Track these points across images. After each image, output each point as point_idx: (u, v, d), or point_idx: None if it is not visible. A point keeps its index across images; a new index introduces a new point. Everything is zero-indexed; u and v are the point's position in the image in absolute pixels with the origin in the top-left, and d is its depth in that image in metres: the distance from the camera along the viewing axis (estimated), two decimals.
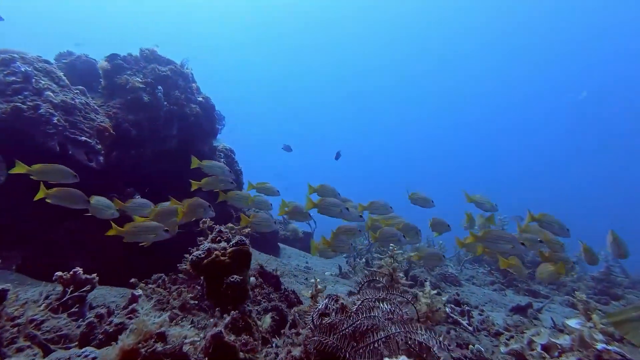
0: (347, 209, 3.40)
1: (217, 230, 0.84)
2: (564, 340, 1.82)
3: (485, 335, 2.59)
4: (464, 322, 2.73)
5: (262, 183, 3.83)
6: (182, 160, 4.42)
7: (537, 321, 3.12)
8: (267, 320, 1.46)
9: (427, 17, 39.77)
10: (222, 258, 0.77)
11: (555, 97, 41.49)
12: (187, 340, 0.79)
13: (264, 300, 2.34)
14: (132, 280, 2.47)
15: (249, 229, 2.86)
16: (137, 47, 4.26)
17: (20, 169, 2.59)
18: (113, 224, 2.61)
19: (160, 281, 2.43)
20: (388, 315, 0.86)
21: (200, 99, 4.51)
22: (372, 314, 0.84)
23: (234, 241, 0.81)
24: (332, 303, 0.90)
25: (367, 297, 0.90)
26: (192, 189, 3.50)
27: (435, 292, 1.88)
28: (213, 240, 0.82)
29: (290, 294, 2.51)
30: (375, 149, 56.70)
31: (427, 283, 1.97)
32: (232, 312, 0.71)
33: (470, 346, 1.82)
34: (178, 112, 4.09)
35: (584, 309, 2.16)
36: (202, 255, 0.78)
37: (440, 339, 1.01)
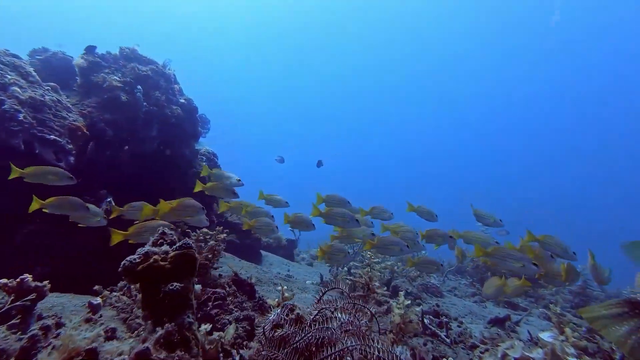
0: (357, 220, 3.37)
1: (160, 232, 0.77)
2: (537, 354, 1.79)
3: (463, 348, 2.55)
4: (442, 334, 2.69)
5: (271, 195, 3.87)
6: (162, 163, 4.30)
7: (514, 334, 3.11)
8: (230, 331, 1.37)
9: (426, 16, 40.36)
10: (161, 263, 0.70)
11: (554, 97, 42.08)
12: (122, 357, 0.71)
13: (236, 309, 2.24)
14: (96, 287, 2.34)
15: (225, 235, 2.76)
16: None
17: (14, 173, 2.48)
18: (113, 229, 2.51)
19: (125, 288, 2.31)
20: (346, 327, 0.80)
21: (183, 100, 4.42)
22: (330, 325, 0.79)
23: (178, 244, 0.74)
24: (287, 313, 0.84)
25: (324, 307, 0.85)
26: (195, 190, 3.56)
27: (408, 302, 1.83)
28: (154, 243, 0.75)
29: (264, 302, 2.42)
30: (375, 149, 57.47)
31: (402, 293, 1.92)
32: (167, 324, 0.65)
33: None
34: (158, 114, 3.99)
35: (558, 322, 2.15)
36: (138, 260, 0.71)
37: (398, 352, 0.96)
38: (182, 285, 0.69)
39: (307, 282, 5.41)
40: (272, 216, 3.65)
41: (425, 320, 2.83)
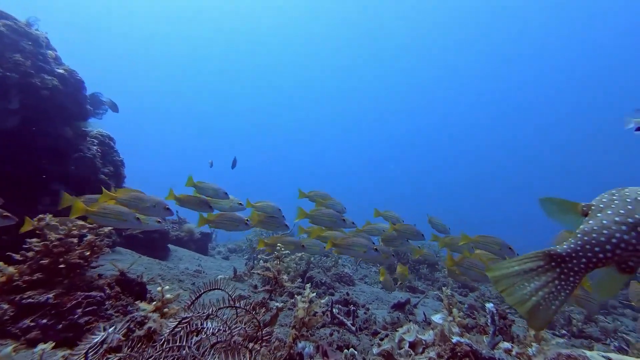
0: (344, 220, 3.58)
1: None
2: (428, 335, 1.92)
3: (366, 335, 2.64)
4: (348, 323, 2.75)
5: (203, 182, 3.77)
6: (28, 142, 3.50)
7: (412, 316, 3.38)
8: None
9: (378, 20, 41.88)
10: None
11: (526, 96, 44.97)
12: None
13: (117, 314, 1.91)
14: None
15: (110, 228, 2.35)
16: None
17: None
18: (78, 202, 2.40)
19: None
20: (217, 339, 0.67)
21: (61, 71, 3.64)
22: (195, 338, 0.64)
23: None
24: (133, 329, 0.67)
25: (187, 316, 0.70)
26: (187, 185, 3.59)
27: (314, 294, 1.78)
28: None
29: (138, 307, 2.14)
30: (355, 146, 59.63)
31: (307, 286, 1.86)
32: None
33: (345, 350, 1.78)
34: (20, 82, 3.19)
35: (448, 304, 2.36)
36: None
37: (300, 348, 0.86)
38: None
39: (218, 276, 5.11)
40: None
41: (335, 310, 2.86)
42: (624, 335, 3.71)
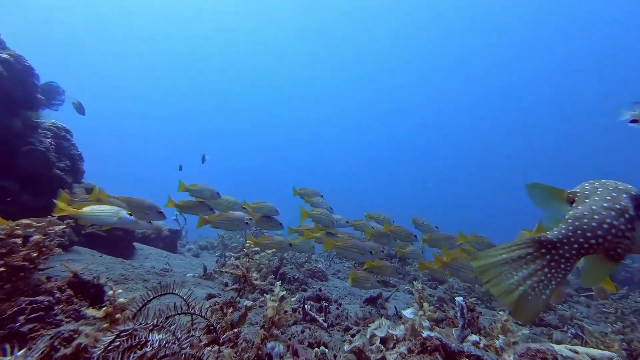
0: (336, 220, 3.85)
1: None
2: (399, 330, 1.91)
3: (338, 331, 2.62)
4: (320, 319, 2.72)
5: (196, 185, 3.76)
6: None
7: (383, 310, 3.41)
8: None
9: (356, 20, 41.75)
10: None
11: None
12: None
13: (68, 319, 1.75)
14: None
15: (63, 227, 2.16)
16: None
17: None
18: (60, 203, 2.40)
19: None
20: (162, 352, 0.59)
21: (5, 56, 3.30)
22: (136, 354, 0.56)
23: None
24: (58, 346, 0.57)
25: (126, 328, 0.61)
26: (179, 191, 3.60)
27: (283, 293, 1.72)
28: None
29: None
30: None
31: (278, 284, 1.79)
32: None
33: (316, 348, 1.74)
34: None
35: (419, 298, 2.37)
36: None
37: (269, 348, 0.79)
38: None
39: (187, 275, 4.90)
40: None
41: (307, 307, 2.82)
42: (579, 322, 3.96)
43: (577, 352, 1.04)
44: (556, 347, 1.08)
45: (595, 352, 1.04)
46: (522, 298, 0.85)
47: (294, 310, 2.77)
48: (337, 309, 3.29)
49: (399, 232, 3.86)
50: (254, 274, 2.10)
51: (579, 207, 0.93)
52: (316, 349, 1.74)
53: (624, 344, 2.52)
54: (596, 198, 0.93)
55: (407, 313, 2.10)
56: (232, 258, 2.39)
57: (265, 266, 4.29)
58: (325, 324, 2.64)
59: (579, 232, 0.88)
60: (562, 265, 0.86)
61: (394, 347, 1.83)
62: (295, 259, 5.54)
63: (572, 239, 0.88)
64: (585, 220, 0.89)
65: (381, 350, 1.82)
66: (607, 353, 1.03)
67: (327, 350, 1.75)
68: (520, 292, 0.85)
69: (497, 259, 0.91)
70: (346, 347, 1.86)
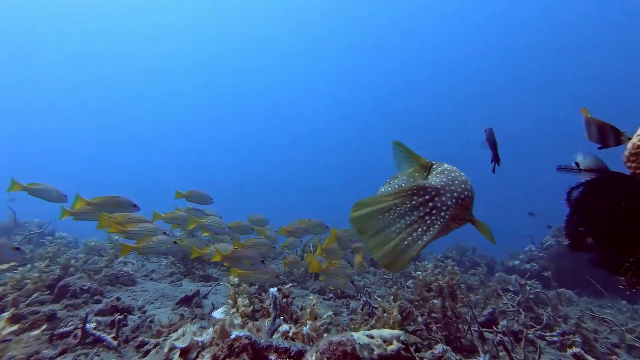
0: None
1: None
2: (206, 335, 1.66)
3: (133, 347, 2.11)
4: (108, 338, 2.12)
5: (191, 191, 3.99)
6: None
7: (199, 309, 3.07)
8: None
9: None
10: None
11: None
12: None
13: None
14: None
15: None
16: None
17: None
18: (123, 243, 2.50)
19: None
20: None
21: None
22: None
23: None
24: None
25: None
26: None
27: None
28: None
29: None
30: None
31: (4, 316, 1.19)
32: None
33: None
34: None
35: (233, 293, 2.19)
36: None
37: None
38: None
39: None
40: None
41: (87, 326, 2.14)
42: (368, 289, 4.85)
43: (372, 337, 1.11)
44: (355, 335, 1.11)
45: (386, 332, 1.14)
46: (399, 245, 0.82)
47: (67, 334, 2.05)
48: (140, 317, 2.72)
49: (316, 226, 3.88)
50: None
51: (440, 175, 1.01)
52: None
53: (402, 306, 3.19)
54: (452, 174, 1.02)
55: (217, 314, 1.87)
56: None
57: (32, 280, 3.11)
58: (115, 342, 2.08)
59: (457, 182, 0.96)
60: (442, 213, 0.88)
61: (197, 357, 1.56)
62: (91, 264, 4.33)
63: (453, 188, 0.94)
64: (456, 182, 0.97)
65: None
66: (395, 332, 1.15)
67: None
68: (399, 240, 0.82)
69: (382, 205, 0.88)
70: None
